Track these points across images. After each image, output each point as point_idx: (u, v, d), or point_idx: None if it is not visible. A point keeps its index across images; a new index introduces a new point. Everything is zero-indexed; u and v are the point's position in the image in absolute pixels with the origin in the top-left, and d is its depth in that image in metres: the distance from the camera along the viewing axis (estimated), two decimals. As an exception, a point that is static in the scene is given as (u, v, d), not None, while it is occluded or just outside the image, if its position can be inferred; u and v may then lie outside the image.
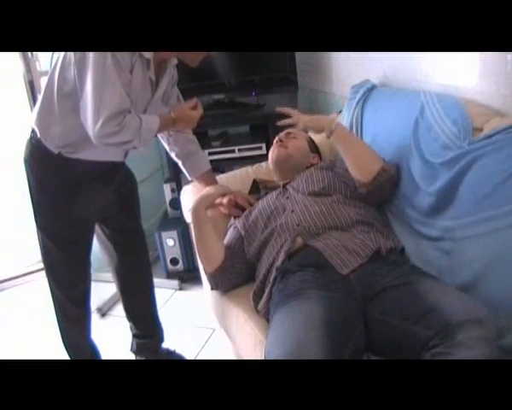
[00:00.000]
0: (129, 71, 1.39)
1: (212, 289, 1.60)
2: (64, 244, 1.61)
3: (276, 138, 1.76)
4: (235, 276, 1.56)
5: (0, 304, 2.72)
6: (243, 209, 1.68)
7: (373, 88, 1.84)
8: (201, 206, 1.59)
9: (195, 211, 1.58)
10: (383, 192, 1.53)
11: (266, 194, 1.68)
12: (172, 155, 1.82)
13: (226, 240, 1.62)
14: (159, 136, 1.81)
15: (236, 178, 1.97)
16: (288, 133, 1.76)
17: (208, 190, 1.66)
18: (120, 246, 1.82)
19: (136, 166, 1.89)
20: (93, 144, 1.43)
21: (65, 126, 1.46)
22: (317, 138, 1.86)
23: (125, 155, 1.65)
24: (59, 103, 1.44)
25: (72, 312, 1.73)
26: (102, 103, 1.32)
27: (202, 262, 1.60)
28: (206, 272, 1.58)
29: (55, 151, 1.48)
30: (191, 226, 1.66)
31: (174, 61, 1.59)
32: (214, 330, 2.18)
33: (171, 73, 1.60)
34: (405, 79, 1.78)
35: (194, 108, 1.57)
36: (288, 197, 1.56)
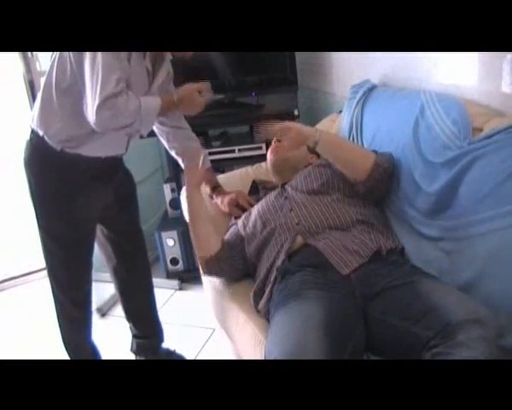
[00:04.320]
0: (126, 59, 1.38)
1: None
2: (65, 245, 1.61)
3: (275, 140, 1.76)
4: (231, 268, 1.56)
5: (0, 304, 2.72)
6: (244, 209, 1.68)
7: (373, 88, 1.84)
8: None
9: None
10: (381, 186, 1.53)
11: (265, 194, 1.68)
12: (172, 152, 1.82)
13: (227, 235, 1.62)
14: (158, 134, 1.81)
15: (236, 178, 1.97)
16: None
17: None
18: (119, 247, 1.81)
19: (136, 167, 1.89)
20: (95, 139, 1.42)
21: (66, 122, 1.45)
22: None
23: (127, 147, 1.64)
24: (58, 100, 1.44)
25: (74, 313, 1.73)
26: (98, 88, 1.31)
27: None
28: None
29: (58, 148, 1.48)
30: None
31: (169, 56, 1.59)
32: (214, 330, 2.18)
33: (167, 68, 1.60)
34: (405, 78, 1.78)
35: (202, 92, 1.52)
36: (286, 197, 1.56)
